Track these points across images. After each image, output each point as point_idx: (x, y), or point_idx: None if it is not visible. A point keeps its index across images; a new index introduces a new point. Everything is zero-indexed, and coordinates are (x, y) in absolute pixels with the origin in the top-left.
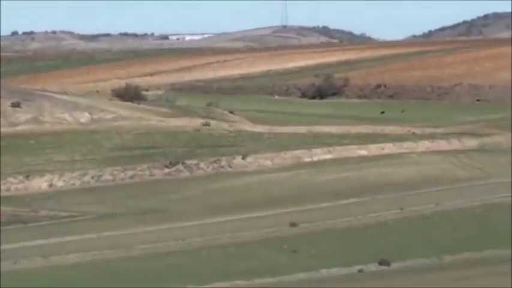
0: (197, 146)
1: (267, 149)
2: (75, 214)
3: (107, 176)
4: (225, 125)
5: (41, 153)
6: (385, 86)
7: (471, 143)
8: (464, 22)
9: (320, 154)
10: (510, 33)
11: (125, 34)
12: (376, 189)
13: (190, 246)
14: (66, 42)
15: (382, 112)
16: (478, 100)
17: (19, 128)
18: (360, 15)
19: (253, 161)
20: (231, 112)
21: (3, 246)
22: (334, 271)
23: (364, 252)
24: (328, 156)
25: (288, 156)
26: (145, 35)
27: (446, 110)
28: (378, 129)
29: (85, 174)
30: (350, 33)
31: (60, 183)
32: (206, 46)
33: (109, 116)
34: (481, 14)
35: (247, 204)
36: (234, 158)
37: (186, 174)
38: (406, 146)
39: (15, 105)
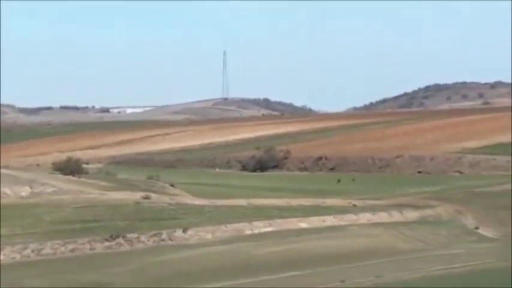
0: (138, 219)
1: (207, 222)
2: None
3: (47, 250)
4: (166, 198)
5: None
6: (326, 159)
7: (412, 215)
8: (406, 94)
9: (261, 227)
10: (450, 104)
11: (66, 107)
12: (317, 261)
13: None
14: (7, 115)
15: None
16: (419, 172)
17: None
18: (301, 87)
19: (194, 234)
20: (172, 185)
21: None
22: None
23: None
24: (269, 229)
25: (229, 229)
26: (86, 108)
27: (388, 182)
28: (319, 201)
29: (25, 248)
30: (291, 105)
31: (0, 257)
32: (147, 119)
33: (50, 190)
34: (422, 85)
35: (188, 277)
36: (175, 231)
37: (126, 247)
38: (347, 218)
39: None
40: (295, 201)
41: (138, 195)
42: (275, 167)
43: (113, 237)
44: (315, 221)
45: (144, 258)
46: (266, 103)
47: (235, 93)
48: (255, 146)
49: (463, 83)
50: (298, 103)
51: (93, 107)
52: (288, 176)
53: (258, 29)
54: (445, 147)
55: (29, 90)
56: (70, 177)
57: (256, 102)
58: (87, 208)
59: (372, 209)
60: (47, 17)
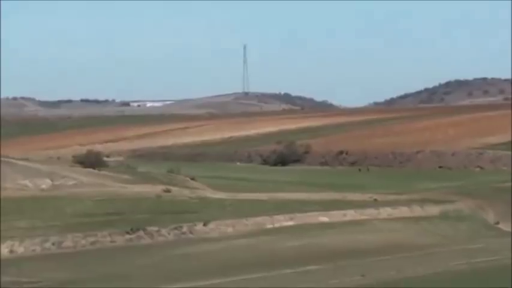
0: (158, 213)
1: (228, 216)
2: (36, 280)
3: (68, 243)
4: (187, 192)
5: (2, 220)
6: (346, 153)
7: (433, 210)
8: (426, 89)
9: (282, 221)
10: (471, 100)
11: (86, 100)
12: (338, 255)
13: None
14: (27, 108)
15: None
16: (440, 167)
17: None
18: (322, 81)
19: (215, 228)
20: (193, 179)
21: None
22: None
23: None
24: (290, 223)
25: (250, 223)
26: (106, 101)
27: (409, 176)
28: (340, 195)
29: (46, 241)
30: (311, 100)
31: (21, 250)
32: (167, 113)
33: (70, 183)
34: (443, 81)
35: (208, 271)
36: (196, 225)
37: (147, 240)
38: (368, 213)
39: None
40: (316, 196)
41: (159, 189)
42: (296, 161)
43: (133, 230)
44: (335, 215)
45: (164, 251)
46: (287, 98)
47: (255, 87)
48: (276, 140)
49: (484, 79)
50: (318, 98)
51: (113, 100)
52: (309, 170)
53: (279, 23)
54: (465, 143)
55: (49, 83)
56: (90, 170)
57: (276, 97)
58: (107, 201)
59: (393, 204)
60: (72, 7)
